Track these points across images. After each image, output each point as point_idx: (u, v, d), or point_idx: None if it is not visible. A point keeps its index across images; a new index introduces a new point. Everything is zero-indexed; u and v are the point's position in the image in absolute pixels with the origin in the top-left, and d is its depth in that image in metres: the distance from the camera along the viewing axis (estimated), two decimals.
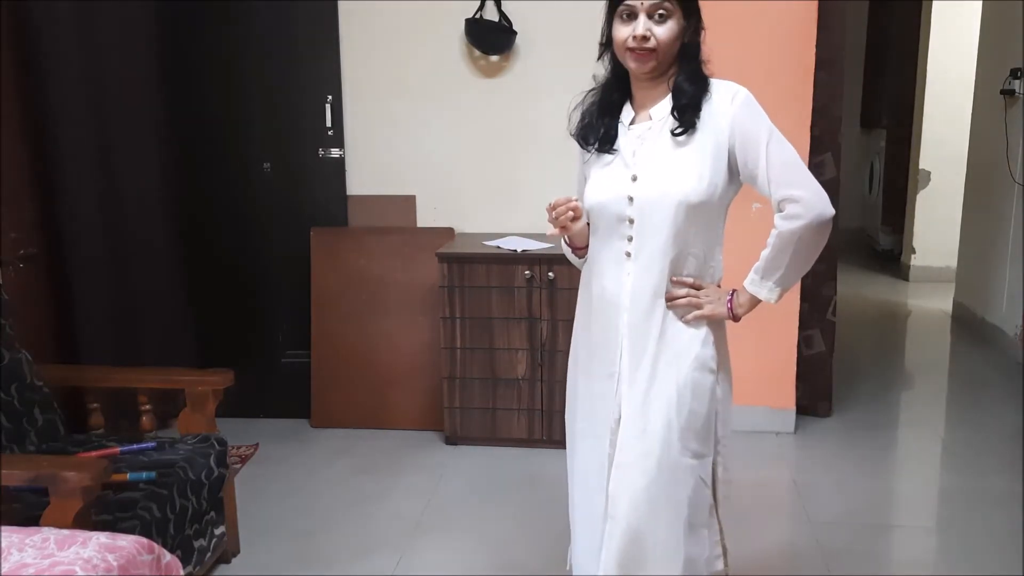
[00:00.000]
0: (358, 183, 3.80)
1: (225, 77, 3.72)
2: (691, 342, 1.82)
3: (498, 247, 3.45)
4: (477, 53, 3.64)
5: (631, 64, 1.75)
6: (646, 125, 1.80)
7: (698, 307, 1.81)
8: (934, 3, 5.99)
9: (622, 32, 1.72)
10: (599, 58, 1.85)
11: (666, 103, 1.78)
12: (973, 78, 5.28)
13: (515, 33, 3.58)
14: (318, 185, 3.79)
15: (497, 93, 3.68)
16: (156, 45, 3.50)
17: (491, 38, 3.60)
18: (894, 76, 6.81)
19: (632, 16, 1.71)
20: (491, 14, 3.58)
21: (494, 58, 3.65)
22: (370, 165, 3.79)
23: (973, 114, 5.31)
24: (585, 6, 3.56)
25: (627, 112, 1.83)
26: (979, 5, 5.27)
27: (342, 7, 3.66)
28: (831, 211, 1.74)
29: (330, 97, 3.71)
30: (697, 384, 1.82)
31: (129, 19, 3.34)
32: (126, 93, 3.34)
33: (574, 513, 2.03)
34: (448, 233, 3.71)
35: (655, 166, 1.77)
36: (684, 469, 1.82)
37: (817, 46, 3.33)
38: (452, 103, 3.71)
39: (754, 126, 1.74)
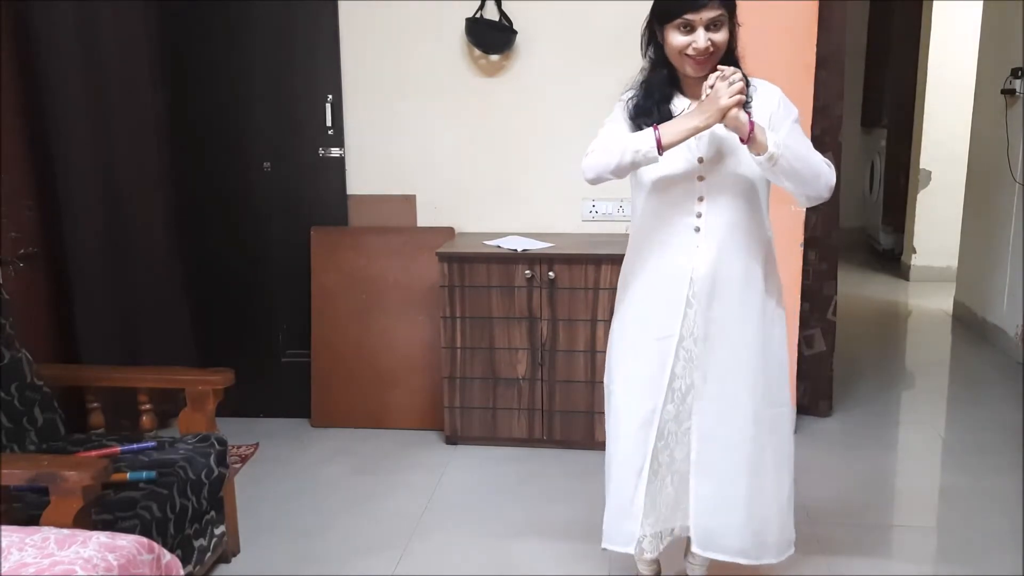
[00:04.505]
0: (358, 182, 3.80)
1: (225, 77, 3.71)
2: (771, 311, 2.08)
3: (498, 246, 3.45)
4: (477, 52, 3.64)
5: (689, 69, 1.92)
6: None
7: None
8: (935, 3, 5.98)
9: (680, 40, 1.88)
10: (644, 54, 2.02)
11: None
12: (974, 77, 5.28)
13: (515, 32, 3.58)
14: (318, 184, 3.78)
15: (497, 92, 3.68)
16: (156, 45, 3.50)
17: (491, 37, 3.60)
18: (895, 75, 6.80)
19: (690, 28, 1.87)
20: (491, 13, 3.58)
21: (494, 57, 3.65)
22: (370, 164, 3.79)
23: (974, 114, 5.30)
24: (585, 6, 3.57)
25: (681, 99, 1.99)
26: (979, 5, 5.26)
27: (342, 7, 3.66)
28: (831, 187, 1.94)
29: (330, 97, 3.71)
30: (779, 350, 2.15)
31: (129, 19, 3.34)
32: (126, 93, 3.34)
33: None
34: (448, 232, 3.71)
35: (720, 149, 1.95)
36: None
37: (818, 45, 3.32)
38: (452, 102, 3.71)
39: (785, 116, 1.97)
